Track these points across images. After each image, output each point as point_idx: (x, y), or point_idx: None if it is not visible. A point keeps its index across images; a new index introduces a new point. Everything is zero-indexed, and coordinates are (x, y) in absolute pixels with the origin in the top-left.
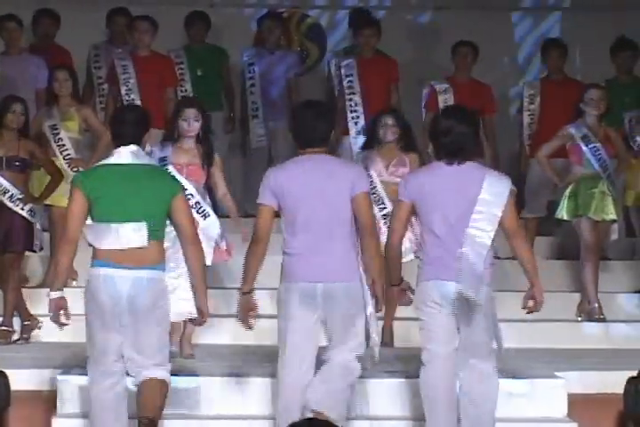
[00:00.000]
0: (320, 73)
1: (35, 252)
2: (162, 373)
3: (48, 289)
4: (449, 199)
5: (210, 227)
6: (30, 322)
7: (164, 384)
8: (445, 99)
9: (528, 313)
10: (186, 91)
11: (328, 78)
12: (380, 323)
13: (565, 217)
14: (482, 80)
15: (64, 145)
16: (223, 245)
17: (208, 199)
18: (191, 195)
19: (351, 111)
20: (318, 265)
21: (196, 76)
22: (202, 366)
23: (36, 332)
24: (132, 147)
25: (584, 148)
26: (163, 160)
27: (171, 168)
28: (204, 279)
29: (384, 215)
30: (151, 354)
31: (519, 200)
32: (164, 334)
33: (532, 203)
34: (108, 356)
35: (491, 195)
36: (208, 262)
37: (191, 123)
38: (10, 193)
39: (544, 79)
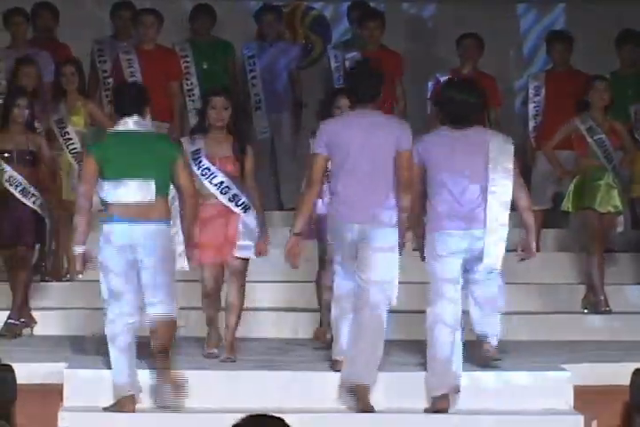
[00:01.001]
0: (323, 65)
1: (44, 245)
2: (169, 308)
3: (52, 283)
4: (458, 161)
5: (251, 219)
6: (26, 320)
7: (172, 321)
8: None
9: (520, 261)
10: (191, 84)
11: (328, 71)
12: None
13: (571, 209)
14: (487, 72)
15: (71, 139)
16: (262, 240)
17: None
18: (227, 187)
19: None
20: (359, 209)
21: (201, 69)
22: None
23: (27, 330)
24: (135, 117)
25: (589, 140)
26: (196, 153)
27: (204, 161)
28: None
29: None
30: (160, 294)
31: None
32: (171, 277)
33: (538, 195)
34: (122, 300)
35: (499, 152)
36: (252, 255)
37: (220, 112)
38: (22, 186)
39: (549, 71)
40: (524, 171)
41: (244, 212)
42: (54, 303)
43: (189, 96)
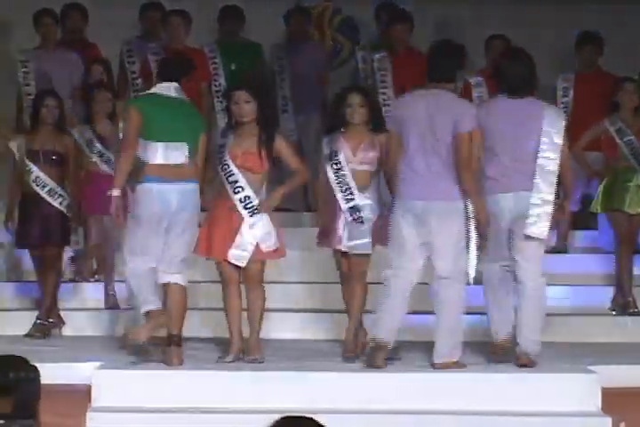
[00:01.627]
0: (350, 66)
1: (69, 246)
2: (182, 278)
3: (80, 283)
4: (511, 131)
5: (257, 224)
6: (55, 321)
7: (183, 289)
8: (479, 92)
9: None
10: (219, 85)
11: (355, 72)
12: None
13: (600, 210)
14: None
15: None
16: (271, 245)
17: (263, 194)
18: (241, 188)
19: (384, 105)
20: (422, 186)
21: (229, 70)
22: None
23: (56, 331)
24: (175, 84)
25: (619, 141)
26: (222, 148)
27: (226, 157)
28: None
29: (350, 208)
30: (178, 254)
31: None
32: (193, 237)
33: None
34: (147, 255)
35: (551, 126)
36: (243, 263)
37: (242, 106)
38: (49, 187)
39: (578, 72)
40: None
41: (251, 216)
42: (83, 304)
43: (217, 97)
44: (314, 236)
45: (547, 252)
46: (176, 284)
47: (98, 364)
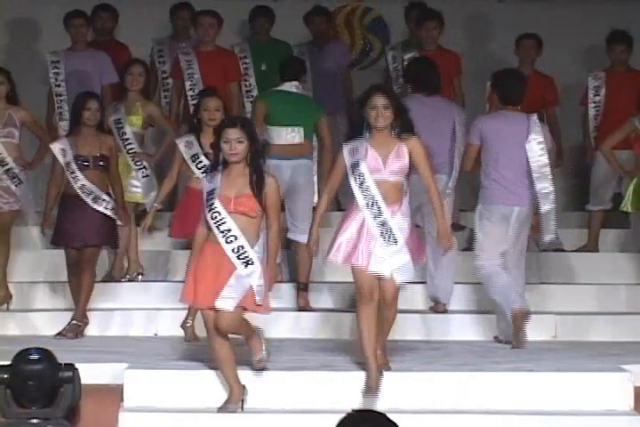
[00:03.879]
0: (380, 66)
1: (117, 248)
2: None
3: (112, 283)
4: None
5: (249, 277)
6: (81, 323)
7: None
8: None
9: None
10: (250, 85)
11: (386, 71)
12: None
13: (630, 209)
14: (545, 72)
15: (128, 139)
16: (259, 300)
17: (261, 240)
18: (234, 237)
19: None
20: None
21: (259, 70)
22: (278, 361)
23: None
24: (295, 82)
25: None
26: (210, 194)
27: (216, 203)
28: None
29: (380, 223)
30: (303, 220)
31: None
32: (310, 205)
33: (597, 195)
34: None
35: (541, 139)
36: (230, 308)
37: (234, 145)
38: (94, 195)
39: (608, 71)
40: (584, 171)
41: (245, 267)
42: (115, 304)
43: (248, 97)
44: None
45: (577, 250)
46: (303, 243)
47: (129, 364)
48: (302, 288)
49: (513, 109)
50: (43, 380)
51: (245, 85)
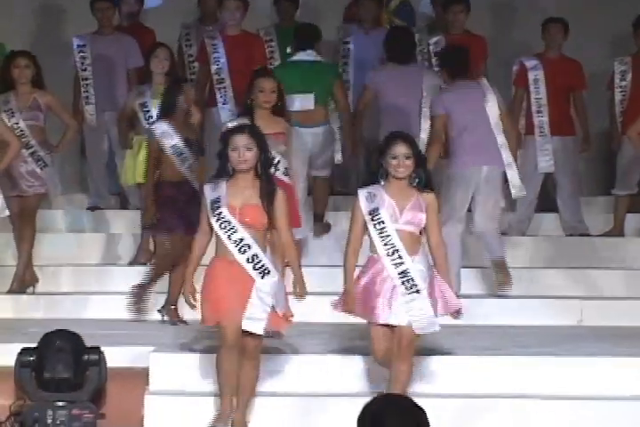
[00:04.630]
0: None
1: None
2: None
3: (140, 267)
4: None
5: (266, 287)
6: (175, 306)
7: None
8: (535, 75)
9: None
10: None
11: None
12: None
13: None
14: (572, 56)
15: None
16: (279, 310)
17: (267, 252)
18: (247, 246)
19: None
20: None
21: (285, 54)
22: (299, 344)
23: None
24: (309, 51)
25: None
26: (216, 202)
27: (224, 212)
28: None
29: (402, 272)
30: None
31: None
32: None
33: (624, 180)
34: None
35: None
36: (260, 331)
37: (242, 152)
38: (195, 174)
39: (635, 55)
40: (610, 156)
41: (262, 277)
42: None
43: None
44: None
45: (602, 235)
46: None
47: (154, 347)
48: (319, 219)
49: (464, 80)
50: (68, 363)
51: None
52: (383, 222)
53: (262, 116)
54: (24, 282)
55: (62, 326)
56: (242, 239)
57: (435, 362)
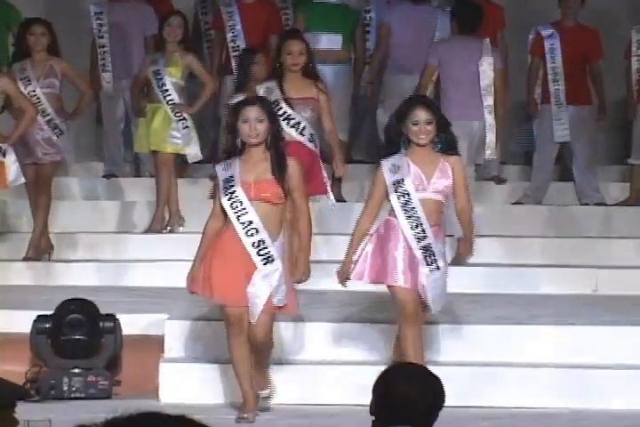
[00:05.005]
0: None
1: None
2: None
3: (153, 235)
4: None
5: (270, 275)
6: None
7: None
8: (551, 44)
9: None
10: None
11: None
12: None
13: None
14: (589, 25)
15: (167, 90)
16: (279, 301)
17: (281, 236)
18: (255, 230)
19: None
20: None
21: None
22: (309, 313)
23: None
24: None
25: None
26: (229, 181)
27: (238, 191)
28: None
29: (423, 247)
30: (338, 120)
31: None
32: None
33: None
34: None
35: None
36: (255, 318)
37: (253, 125)
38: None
39: None
40: (626, 125)
41: (264, 264)
42: (156, 255)
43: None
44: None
45: (618, 204)
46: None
47: (169, 315)
48: (336, 181)
49: (468, 35)
50: (84, 330)
51: None
52: (408, 194)
53: (291, 79)
54: (39, 249)
55: (77, 294)
56: (250, 222)
57: (450, 331)
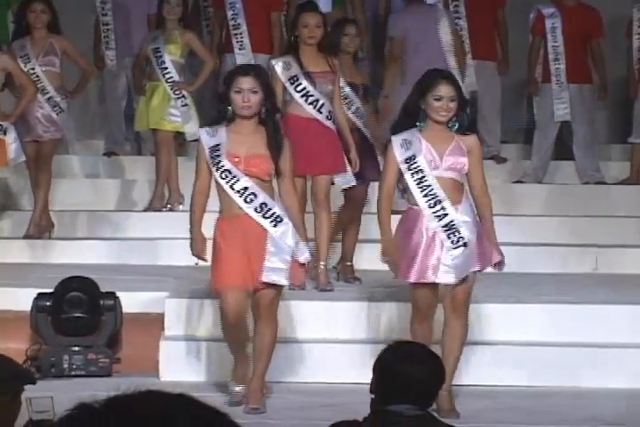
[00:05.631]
0: None
1: None
2: None
3: (153, 213)
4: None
5: (283, 236)
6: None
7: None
8: (553, 23)
9: None
10: (290, 15)
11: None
12: None
13: None
14: (590, 4)
15: (166, 68)
16: (303, 259)
17: (278, 202)
18: (254, 194)
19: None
20: None
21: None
22: (309, 292)
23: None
24: None
25: None
26: (214, 150)
27: (224, 160)
28: None
29: (445, 225)
30: None
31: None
32: None
33: None
34: None
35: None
36: (284, 281)
37: (247, 96)
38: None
39: None
40: (627, 103)
41: (275, 226)
42: (156, 233)
43: (286, 26)
44: None
45: (618, 183)
46: None
47: (169, 293)
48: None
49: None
50: (84, 308)
51: (284, 15)
52: (422, 171)
53: (308, 53)
54: (40, 227)
55: (78, 272)
56: (246, 188)
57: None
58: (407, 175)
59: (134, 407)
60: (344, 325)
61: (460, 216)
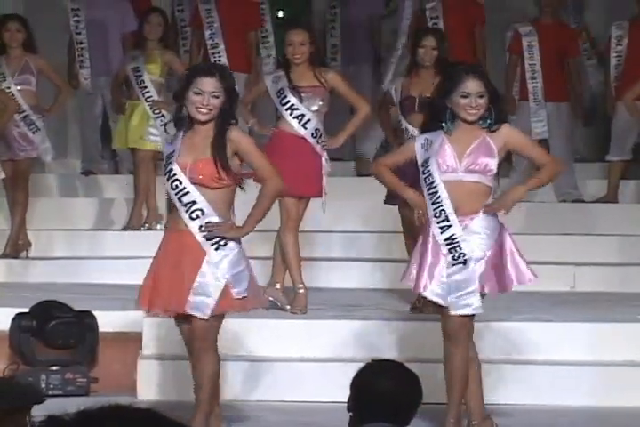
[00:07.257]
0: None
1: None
2: None
3: (130, 232)
4: None
5: (220, 263)
6: None
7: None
8: (529, 41)
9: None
10: (266, 31)
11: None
12: None
13: None
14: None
15: (146, 87)
16: (241, 291)
17: (234, 214)
18: (200, 211)
19: None
20: None
21: (276, 17)
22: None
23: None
24: None
25: None
26: (169, 158)
27: (175, 169)
28: None
29: (448, 239)
30: None
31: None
32: None
33: (618, 146)
34: None
35: None
36: (204, 314)
37: (207, 99)
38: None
39: (633, 20)
40: (605, 121)
41: (216, 249)
42: (133, 252)
43: (263, 43)
44: (355, 185)
45: (596, 201)
46: None
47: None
48: None
49: None
50: (63, 328)
51: (262, 31)
52: (432, 176)
53: (297, 68)
54: (17, 246)
55: (55, 291)
56: (193, 202)
57: (429, 327)
58: (421, 178)
59: (104, 421)
60: (323, 343)
61: (471, 229)
